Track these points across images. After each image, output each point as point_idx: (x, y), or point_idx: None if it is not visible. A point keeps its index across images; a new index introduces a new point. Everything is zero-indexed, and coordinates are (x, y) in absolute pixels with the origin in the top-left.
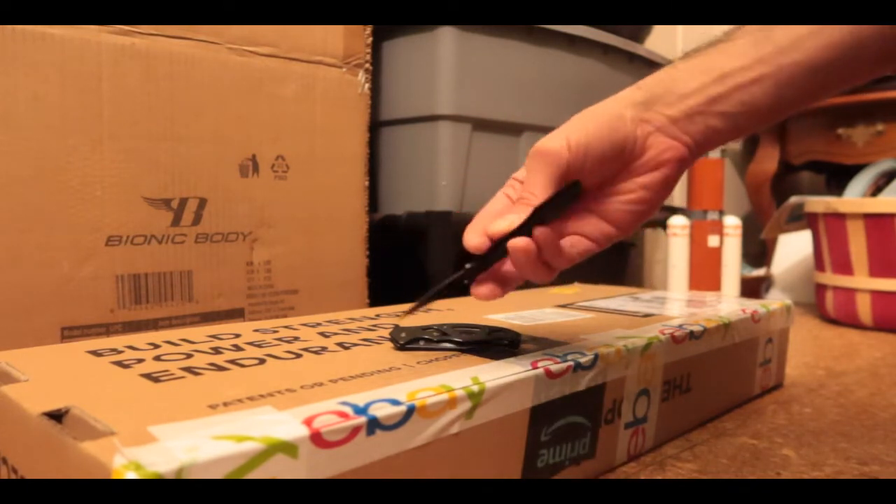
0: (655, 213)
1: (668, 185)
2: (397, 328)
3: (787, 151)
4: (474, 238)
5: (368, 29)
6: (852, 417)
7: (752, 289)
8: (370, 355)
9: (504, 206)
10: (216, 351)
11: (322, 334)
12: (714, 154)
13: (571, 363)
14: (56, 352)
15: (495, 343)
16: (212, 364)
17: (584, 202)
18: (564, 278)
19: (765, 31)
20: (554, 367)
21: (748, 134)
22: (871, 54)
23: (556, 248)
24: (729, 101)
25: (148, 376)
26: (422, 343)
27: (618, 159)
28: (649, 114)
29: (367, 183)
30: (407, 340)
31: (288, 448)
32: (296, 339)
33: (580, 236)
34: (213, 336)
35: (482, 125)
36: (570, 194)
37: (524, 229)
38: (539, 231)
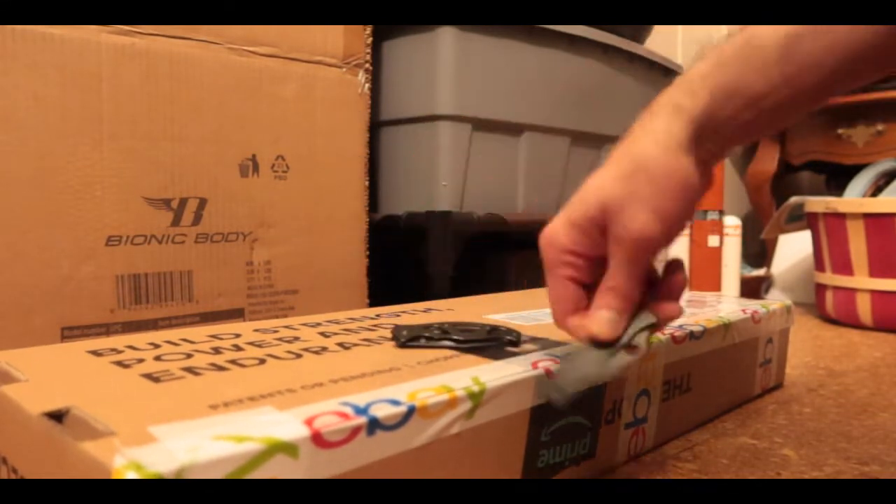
0: None
1: None
2: (398, 327)
3: (787, 151)
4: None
5: (368, 29)
6: (852, 417)
7: (752, 289)
8: (371, 355)
9: (575, 293)
10: (216, 351)
11: (322, 334)
12: None
13: None
14: (56, 352)
15: (496, 341)
16: (212, 364)
17: None
18: None
19: (792, 36)
20: (554, 368)
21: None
22: (880, 62)
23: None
24: (752, 128)
25: (148, 376)
26: (423, 341)
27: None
28: (701, 156)
29: (367, 183)
30: (408, 338)
31: (288, 448)
32: (296, 339)
33: None
34: (214, 336)
35: (482, 125)
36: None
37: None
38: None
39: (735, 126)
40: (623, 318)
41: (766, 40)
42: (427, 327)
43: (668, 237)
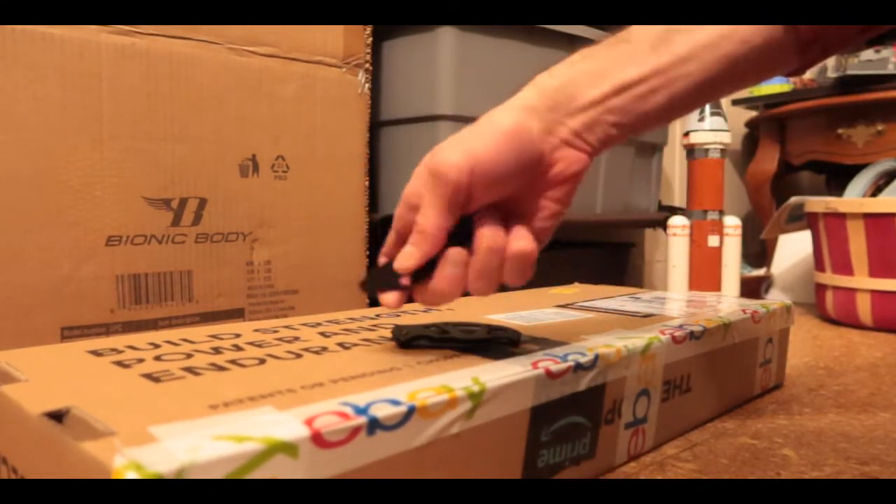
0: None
1: (574, 191)
2: (398, 326)
3: (787, 151)
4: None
5: (368, 29)
6: (852, 417)
7: (752, 289)
8: (371, 355)
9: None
10: (216, 351)
11: (322, 334)
12: (714, 154)
13: (572, 363)
14: (56, 352)
15: (496, 341)
16: (212, 364)
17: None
18: (564, 278)
19: (663, 35)
20: (554, 368)
21: (638, 135)
22: (759, 64)
23: (487, 270)
24: (626, 111)
25: (148, 376)
26: (423, 341)
27: (524, 177)
28: (553, 125)
29: (367, 183)
30: (408, 338)
31: (288, 448)
32: (296, 339)
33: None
34: (214, 336)
35: None
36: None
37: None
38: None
39: (605, 109)
40: (419, 252)
41: (639, 36)
42: (427, 327)
43: (478, 181)
